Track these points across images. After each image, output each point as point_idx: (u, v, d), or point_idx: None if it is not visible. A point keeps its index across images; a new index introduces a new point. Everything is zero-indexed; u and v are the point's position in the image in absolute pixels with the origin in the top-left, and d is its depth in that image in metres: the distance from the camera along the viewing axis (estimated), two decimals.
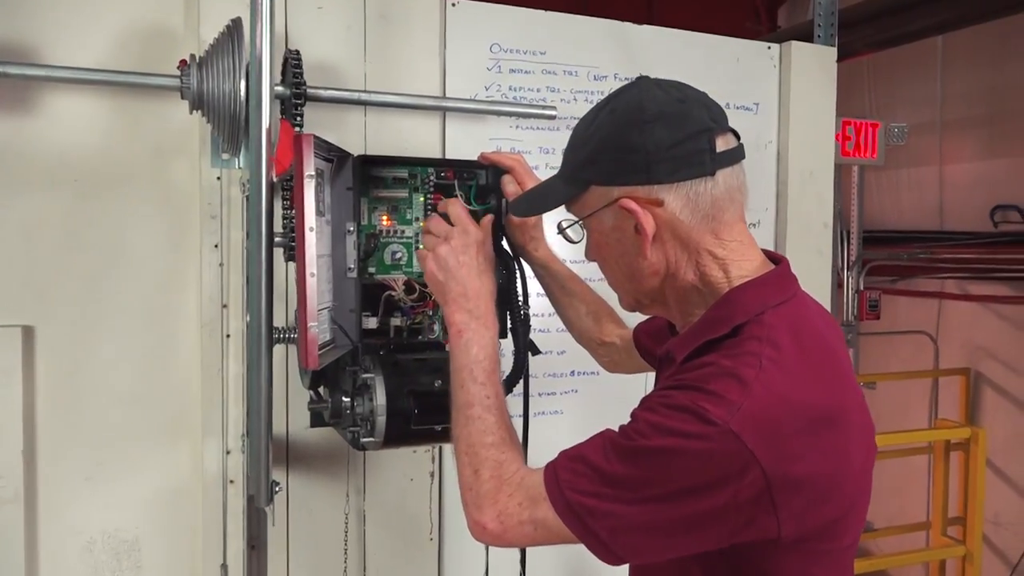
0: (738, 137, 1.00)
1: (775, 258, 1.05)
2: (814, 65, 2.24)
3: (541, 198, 1.12)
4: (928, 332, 4.83)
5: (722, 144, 0.97)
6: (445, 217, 1.23)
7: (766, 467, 0.85)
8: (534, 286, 1.49)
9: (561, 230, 1.08)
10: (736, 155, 0.98)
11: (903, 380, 4.70)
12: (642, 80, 1.01)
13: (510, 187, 1.33)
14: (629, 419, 0.95)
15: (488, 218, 1.28)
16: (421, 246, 1.44)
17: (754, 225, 2.22)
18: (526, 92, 1.91)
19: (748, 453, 0.84)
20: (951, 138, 4.70)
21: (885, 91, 4.97)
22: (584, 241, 1.08)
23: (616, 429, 0.95)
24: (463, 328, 1.14)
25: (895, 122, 3.70)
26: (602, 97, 1.06)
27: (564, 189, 1.06)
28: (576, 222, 1.05)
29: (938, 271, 4.71)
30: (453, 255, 1.16)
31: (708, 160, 0.95)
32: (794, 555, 0.92)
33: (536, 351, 1.45)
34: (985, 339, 4.55)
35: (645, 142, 0.95)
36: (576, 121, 1.07)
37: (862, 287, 4.45)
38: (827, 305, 2.34)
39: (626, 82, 1.04)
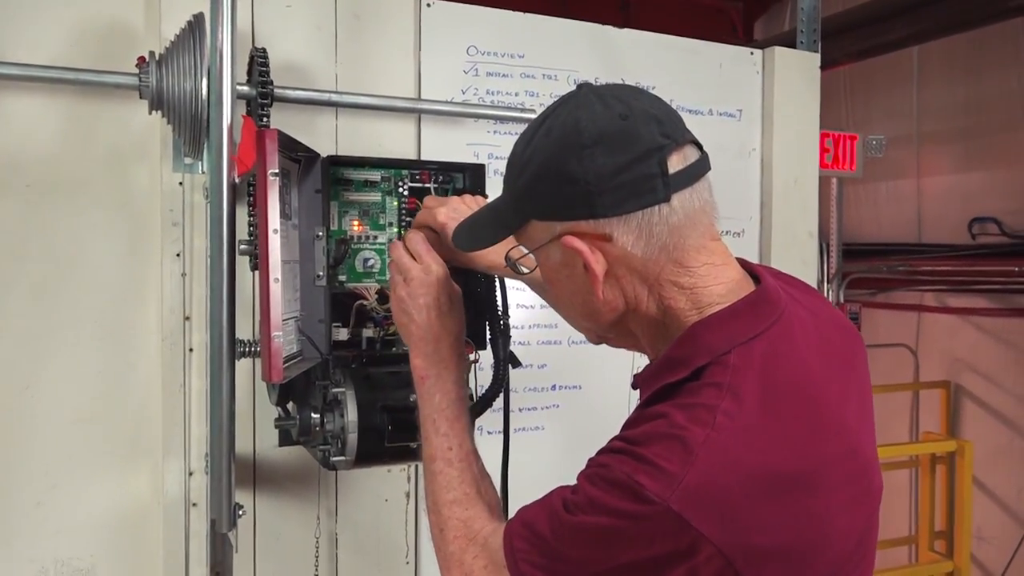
0: (700, 148, 0.89)
1: (756, 273, 0.93)
2: (797, 71, 2.20)
3: (483, 230, 1.00)
4: (908, 345, 4.82)
5: (677, 162, 0.84)
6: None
7: (720, 544, 0.76)
8: (515, 296, 1.42)
9: (510, 262, 0.98)
10: (696, 172, 0.86)
11: (884, 393, 4.67)
12: (582, 91, 0.89)
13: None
14: (576, 481, 0.86)
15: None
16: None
17: (738, 235, 2.17)
18: (504, 96, 1.85)
19: (694, 532, 0.76)
20: (928, 151, 4.71)
21: (862, 104, 4.99)
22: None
23: (561, 495, 0.87)
24: (424, 374, 1.07)
25: (872, 134, 3.69)
26: None
27: (502, 223, 0.95)
28: (526, 255, 0.95)
29: (917, 284, 4.71)
30: (412, 298, 1.08)
31: (660, 186, 0.83)
32: None
33: (517, 364, 1.38)
34: (965, 352, 4.55)
35: (584, 171, 0.83)
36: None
37: (842, 300, 4.43)
38: None
39: (585, 82, 0.94)
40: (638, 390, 1.00)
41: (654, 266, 0.87)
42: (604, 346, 1.03)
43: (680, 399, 0.84)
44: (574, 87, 0.92)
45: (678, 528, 0.76)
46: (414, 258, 1.10)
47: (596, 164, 0.83)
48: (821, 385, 0.88)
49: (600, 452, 0.87)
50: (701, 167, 0.87)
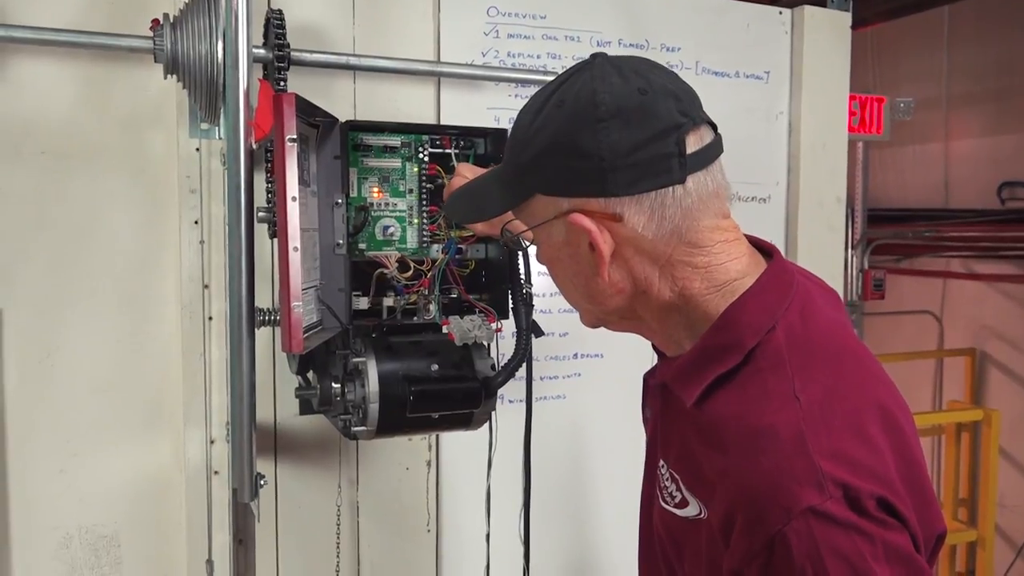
0: (715, 128, 0.85)
1: (762, 246, 0.91)
2: (827, 31, 2.13)
3: (480, 202, 0.95)
4: (933, 312, 4.75)
5: (694, 142, 0.81)
6: None
7: (880, 490, 0.74)
8: (537, 264, 1.40)
9: (505, 238, 0.94)
10: (711, 153, 0.83)
11: (908, 361, 4.63)
12: (597, 62, 0.84)
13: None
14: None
15: None
16: (415, 220, 1.35)
17: (764, 200, 2.13)
18: (525, 58, 1.80)
19: (865, 495, 0.73)
20: (957, 113, 4.60)
21: (889, 65, 4.87)
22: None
23: None
24: None
25: (900, 97, 3.60)
26: None
27: (505, 195, 0.89)
28: (523, 232, 0.90)
29: (943, 250, 4.63)
30: None
31: (676, 166, 0.80)
32: None
33: (539, 332, 1.36)
34: (991, 319, 4.48)
35: (599, 146, 0.79)
36: None
37: (867, 266, 4.37)
38: (839, 284, 2.26)
39: (629, 50, 0.89)
40: (653, 390, 0.96)
41: (665, 247, 0.83)
42: None
43: (745, 391, 0.80)
44: (597, 49, 0.88)
45: (857, 504, 0.73)
46: None
47: (611, 139, 0.79)
48: (853, 337, 0.89)
49: (722, 524, 0.79)
50: (716, 149, 0.84)
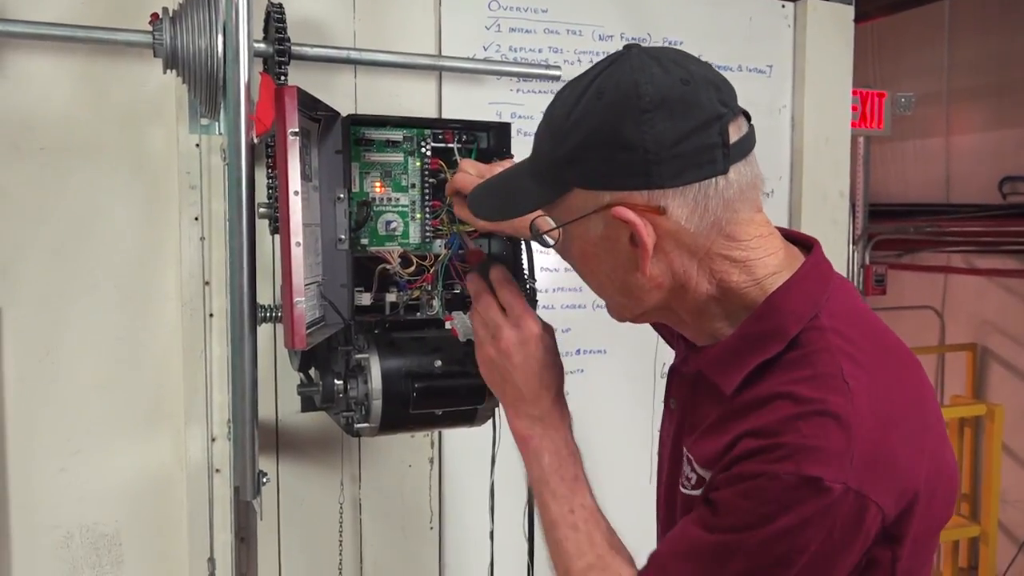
0: (749, 119, 0.83)
1: (799, 239, 0.90)
2: (830, 25, 2.13)
3: (510, 199, 0.92)
4: (934, 307, 4.75)
5: (734, 133, 0.80)
6: (485, 274, 1.01)
7: (887, 508, 0.75)
8: (539, 259, 1.39)
9: (536, 234, 0.90)
10: (749, 143, 0.82)
11: None
12: (634, 52, 0.82)
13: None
14: (707, 503, 0.80)
15: None
16: (418, 215, 1.34)
17: (767, 195, 2.12)
18: (527, 52, 1.79)
19: (871, 503, 0.75)
20: (958, 108, 4.59)
21: (890, 60, 4.86)
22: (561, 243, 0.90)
23: (699, 523, 0.80)
24: (528, 435, 0.98)
25: (900, 92, 3.59)
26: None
27: (539, 190, 0.86)
28: (556, 228, 0.87)
29: (944, 245, 4.63)
30: (504, 357, 0.97)
31: (720, 156, 0.78)
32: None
33: None
34: (992, 314, 4.48)
35: (643, 138, 0.77)
36: None
37: (867, 262, 4.36)
38: None
39: (632, 43, 0.87)
40: (682, 380, 0.95)
41: (704, 240, 0.82)
42: None
43: (791, 373, 0.80)
44: (599, 43, 0.86)
45: (859, 505, 0.74)
46: (503, 310, 0.98)
47: (656, 129, 0.77)
48: (886, 327, 0.88)
49: (725, 463, 0.80)
50: (752, 140, 0.83)
